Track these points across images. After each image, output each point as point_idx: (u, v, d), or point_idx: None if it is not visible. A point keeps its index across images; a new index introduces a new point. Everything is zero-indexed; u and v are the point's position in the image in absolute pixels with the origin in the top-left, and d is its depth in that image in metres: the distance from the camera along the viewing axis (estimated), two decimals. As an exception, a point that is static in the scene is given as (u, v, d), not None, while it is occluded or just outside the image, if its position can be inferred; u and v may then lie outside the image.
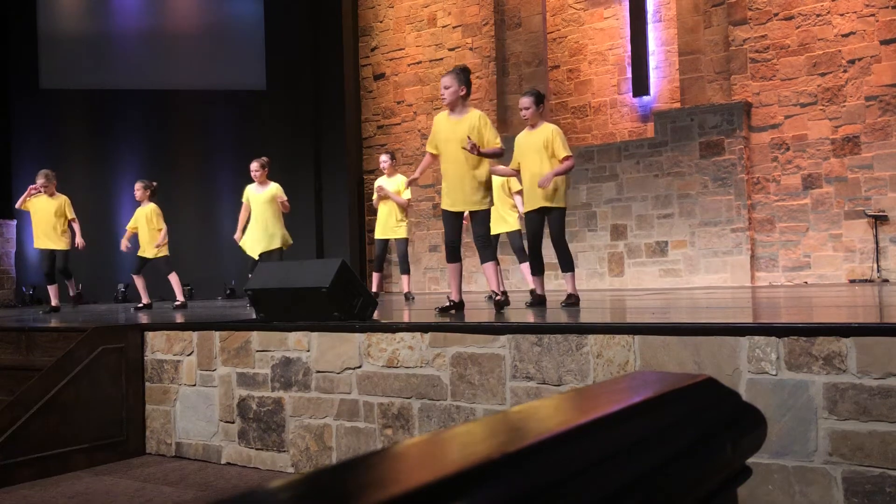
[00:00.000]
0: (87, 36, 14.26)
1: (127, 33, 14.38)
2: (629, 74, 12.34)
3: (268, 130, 14.25)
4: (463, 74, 5.31)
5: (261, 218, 8.32)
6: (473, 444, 0.63)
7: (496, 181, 7.42)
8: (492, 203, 5.45)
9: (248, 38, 14.59)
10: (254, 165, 8.54)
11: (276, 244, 8.30)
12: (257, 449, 4.70)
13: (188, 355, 5.07)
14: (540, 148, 5.83)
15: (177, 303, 9.22)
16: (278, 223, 8.36)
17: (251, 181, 8.75)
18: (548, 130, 5.88)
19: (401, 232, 8.98)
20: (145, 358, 5.26)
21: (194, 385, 5.03)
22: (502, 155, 5.46)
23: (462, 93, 5.30)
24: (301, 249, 10.01)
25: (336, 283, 4.45)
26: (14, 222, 13.13)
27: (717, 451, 0.76)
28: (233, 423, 4.82)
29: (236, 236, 8.55)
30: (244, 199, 8.52)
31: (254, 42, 14.58)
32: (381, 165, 9.26)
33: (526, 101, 5.96)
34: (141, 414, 5.22)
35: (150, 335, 5.25)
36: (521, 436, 0.62)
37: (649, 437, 0.68)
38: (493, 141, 5.28)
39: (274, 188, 8.45)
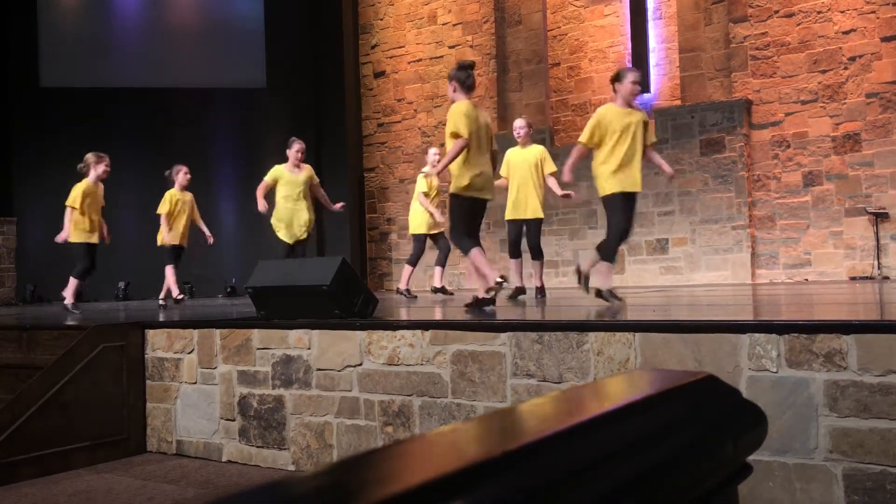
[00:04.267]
0: (87, 34, 14.26)
1: (127, 31, 14.38)
2: (629, 72, 12.32)
3: (268, 128, 14.25)
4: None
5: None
6: (475, 442, 0.63)
7: (531, 162, 7.36)
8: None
9: (248, 35, 14.59)
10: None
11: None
12: (258, 447, 4.70)
13: (189, 353, 5.07)
14: (634, 130, 5.52)
15: (179, 297, 9.17)
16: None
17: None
18: (641, 114, 5.77)
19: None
20: (146, 356, 5.26)
21: (195, 383, 5.03)
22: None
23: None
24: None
25: (337, 281, 4.45)
26: (15, 220, 13.13)
27: (718, 449, 0.76)
28: (233, 420, 4.83)
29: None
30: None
31: (254, 40, 14.58)
32: (431, 159, 8.99)
33: (634, 76, 5.93)
34: (142, 412, 5.22)
35: (150, 333, 5.25)
36: (522, 433, 0.62)
37: (651, 434, 0.68)
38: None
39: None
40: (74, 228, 8.05)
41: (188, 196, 9.15)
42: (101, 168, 8.20)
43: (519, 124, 7.54)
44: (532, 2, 12.93)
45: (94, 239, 8.08)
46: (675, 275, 11.14)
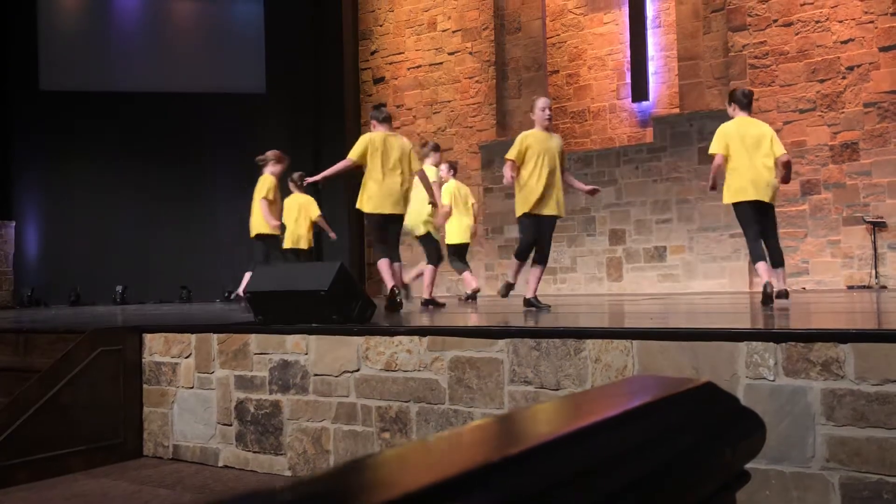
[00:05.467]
0: (87, 38, 14.28)
1: (127, 35, 14.40)
2: (628, 80, 12.36)
3: (267, 133, 14.26)
4: None
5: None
6: (473, 447, 0.63)
7: (556, 151, 6.25)
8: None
9: (248, 41, 14.61)
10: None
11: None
12: (255, 452, 4.69)
13: (186, 358, 5.06)
14: (757, 143, 5.95)
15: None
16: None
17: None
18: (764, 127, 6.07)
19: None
20: (143, 360, 5.25)
21: (192, 387, 5.03)
22: None
23: None
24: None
25: (335, 286, 4.45)
26: (13, 223, 13.13)
27: (716, 456, 0.76)
28: (230, 425, 4.82)
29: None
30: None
31: (254, 45, 14.61)
32: (443, 175, 8.93)
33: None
34: (138, 416, 5.21)
35: (148, 337, 5.25)
36: (520, 439, 0.62)
37: (649, 440, 0.68)
38: None
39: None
40: (260, 220, 8.14)
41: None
42: (279, 167, 8.33)
43: (546, 103, 6.36)
44: (531, 9, 12.96)
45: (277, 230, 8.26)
46: (672, 282, 11.15)
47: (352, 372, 4.31)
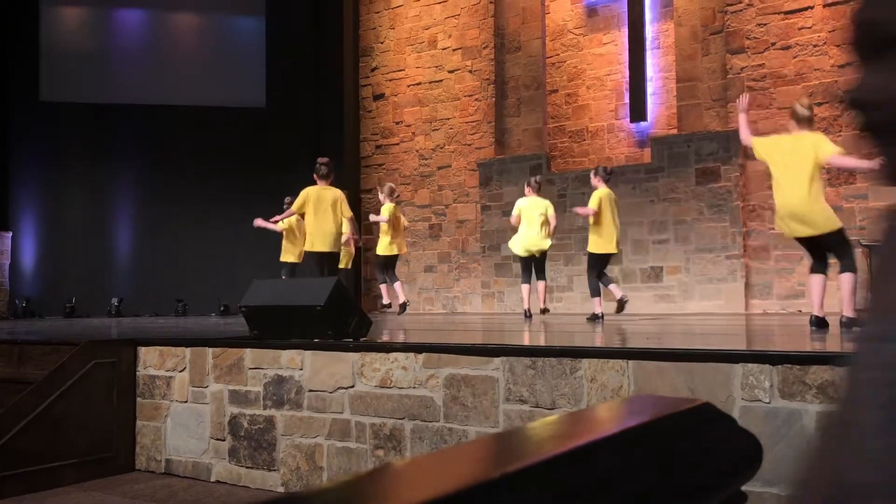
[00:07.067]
0: (88, 50, 14.33)
1: (128, 48, 14.46)
2: (627, 100, 12.42)
3: (267, 148, 14.29)
4: None
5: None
6: (472, 464, 0.63)
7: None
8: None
9: (249, 55, 14.67)
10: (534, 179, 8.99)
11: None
12: (247, 467, 4.67)
13: (180, 371, 5.05)
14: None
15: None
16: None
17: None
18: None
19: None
20: (137, 373, 5.23)
21: (186, 401, 5.01)
22: None
23: None
24: (298, 267, 9.99)
25: (331, 302, 4.44)
26: (9, 234, 13.10)
27: (713, 477, 0.76)
28: (223, 440, 4.79)
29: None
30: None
31: (255, 59, 14.66)
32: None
33: None
34: (131, 430, 5.18)
35: (142, 350, 5.23)
36: (520, 456, 0.62)
37: (647, 459, 0.68)
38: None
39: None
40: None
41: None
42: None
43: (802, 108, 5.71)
44: (531, 29, 13.04)
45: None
46: (668, 303, 11.14)
47: (346, 388, 4.30)
